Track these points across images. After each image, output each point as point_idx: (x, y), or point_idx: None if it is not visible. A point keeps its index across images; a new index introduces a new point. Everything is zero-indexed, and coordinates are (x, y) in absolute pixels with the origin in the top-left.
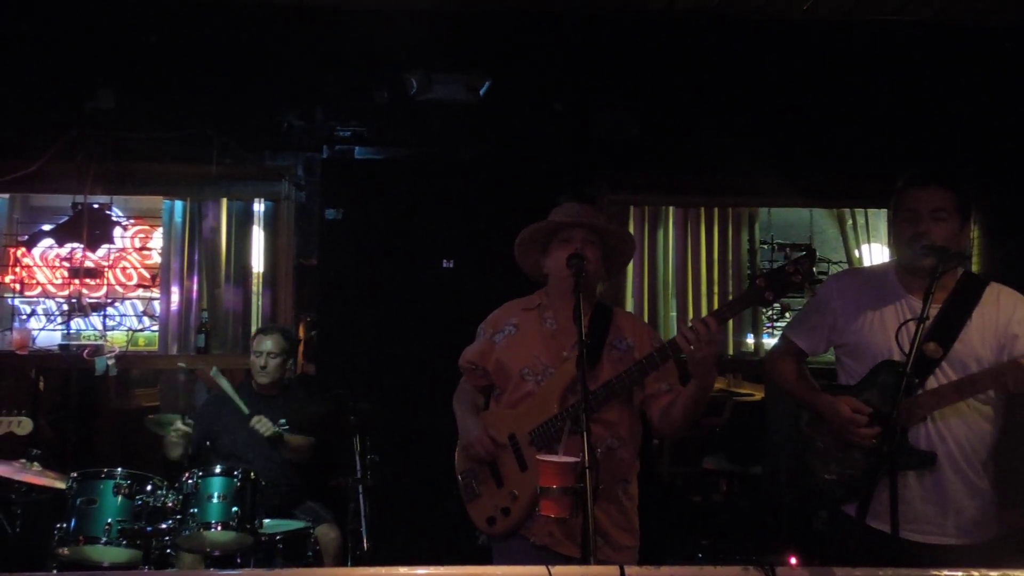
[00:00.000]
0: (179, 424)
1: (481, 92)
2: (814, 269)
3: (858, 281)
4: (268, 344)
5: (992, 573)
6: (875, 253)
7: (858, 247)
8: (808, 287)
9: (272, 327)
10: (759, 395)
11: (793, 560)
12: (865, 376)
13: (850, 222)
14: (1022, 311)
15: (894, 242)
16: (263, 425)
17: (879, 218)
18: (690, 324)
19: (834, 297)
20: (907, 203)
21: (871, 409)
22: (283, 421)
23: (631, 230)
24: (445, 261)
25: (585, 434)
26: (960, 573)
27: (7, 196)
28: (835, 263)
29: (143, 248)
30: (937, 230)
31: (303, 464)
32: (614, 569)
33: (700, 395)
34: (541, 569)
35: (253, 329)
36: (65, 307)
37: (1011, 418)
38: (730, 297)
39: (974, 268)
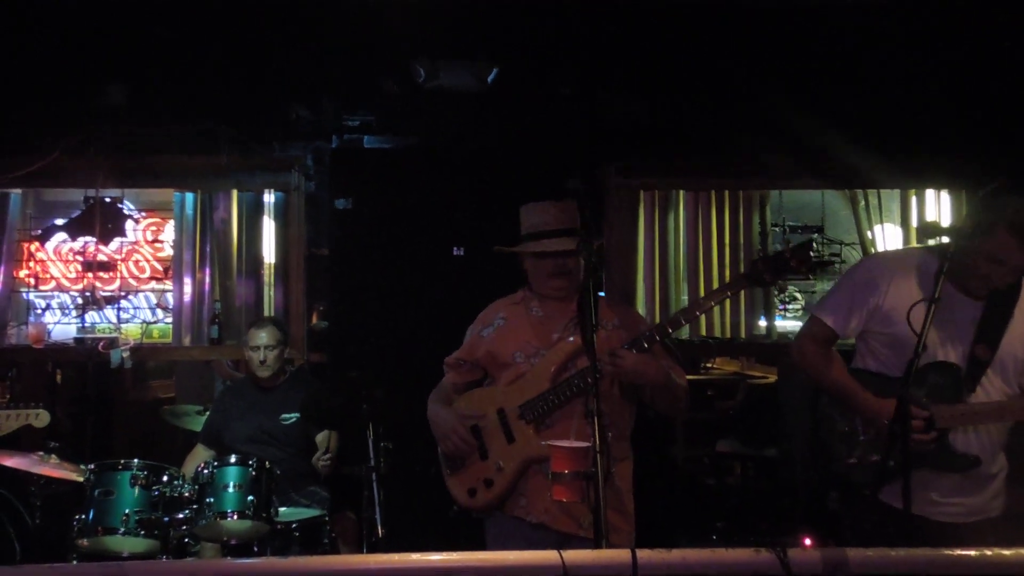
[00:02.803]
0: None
1: (489, 79)
2: (812, 254)
3: (903, 267)
4: (264, 337)
5: (1005, 551)
6: (888, 234)
7: (870, 228)
8: (805, 272)
9: (263, 319)
10: (772, 378)
11: (808, 541)
12: (916, 373)
13: (862, 203)
14: None
15: (966, 254)
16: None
17: (891, 199)
18: (611, 352)
19: (880, 281)
20: (999, 249)
21: (928, 413)
22: (294, 415)
23: (641, 215)
24: (455, 249)
25: (596, 419)
26: (973, 552)
27: (20, 191)
28: (847, 244)
29: (155, 241)
30: (1011, 277)
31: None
32: (626, 553)
33: (653, 390)
34: (553, 554)
35: None
36: (79, 301)
37: None
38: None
39: None
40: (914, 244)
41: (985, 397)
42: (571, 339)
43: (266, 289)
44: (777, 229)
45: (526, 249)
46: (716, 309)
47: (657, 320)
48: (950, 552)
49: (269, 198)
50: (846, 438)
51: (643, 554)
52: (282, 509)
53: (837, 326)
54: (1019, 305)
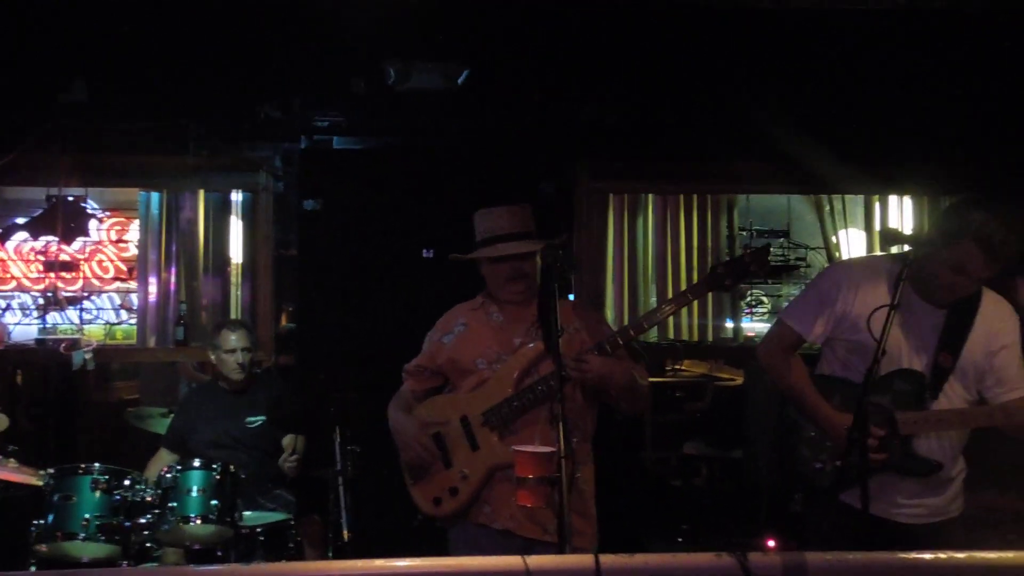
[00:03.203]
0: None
1: (459, 81)
2: (770, 258)
3: (869, 275)
4: (238, 340)
5: (959, 554)
6: (852, 239)
7: (835, 232)
8: (764, 275)
9: (235, 321)
10: (740, 380)
11: (771, 543)
12: (880, 380)
13: (827, 208)
14: (1009, 323)
15: (929, 263)
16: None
17: (855, 204)
18: (576, 357)
19: (846, 288)
20: (965, 261)
21: (883, 433)
22: (260, 418)
23: (610, 218)
24: (425, 251)
25: (561, 423)
26: (928, 555)
27: None
28: (813, 248)
29: (119, 240)
30: (973, 286)
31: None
32: (589, 558)
33: (618, 392)
34: (517, 559)
35: None
36: (41, 301)
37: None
38: None
39: None
40: (877, 249)
41: (947, 404)
42: (532, 345)
43: (233, 290)
44: (744, 233)
45: (481, 255)
46: (684, 311)
47: (625, 322)
48: (906, 555)
49: (237, 197)
50: (812, 443)
51: (606, 559)
52: (247, 513)
53: (804, 331)
54: (980, 314)
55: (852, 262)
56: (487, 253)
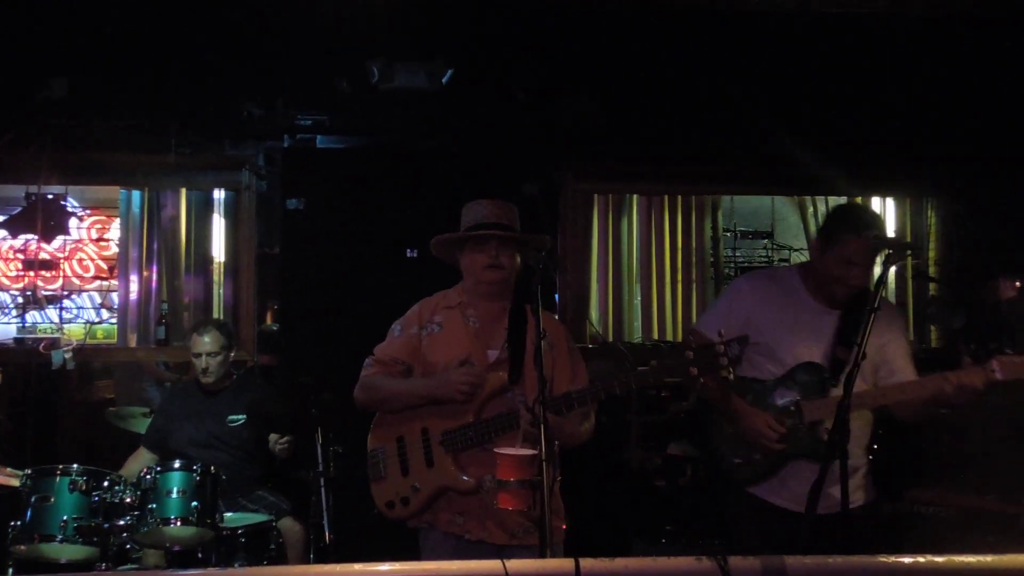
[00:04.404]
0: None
1: (443, 80)
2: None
3: (769, 284)
4: (206, 343)
5: (938, 558)
6: None
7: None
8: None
9: (207, 323)
10: None
11: None
12: (784, 374)
13: (811, 209)
14: (896, 322)
15: (822, 265)
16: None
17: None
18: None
19: (748, 297)
20: (850, 253)
21: (784, 430)
22: (241, 417)
23: (595, 218)
24: (409, 251)
25: (542, 428)
26: (907, 559)
27: None
28: (796, 250)
29: (100, 239)
30: (864, 276)
31: (259, 456)
32: (569, 562)
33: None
34: (496, 563)
35: None
36: (20, 300)
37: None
38: (693, 283)
39: (931, 252)
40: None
41: None
42: (502, 373)
43: (215, 289)
44: (728, 234)
45: (464, 234)
46: (668, 312)
47: (609, 323)
48: (885, 559)
49: (219, 196)
50: (729, 439)
51: (586, 563)
52: (228, 515)
53: (716, 337)
54: (875, 315)
55: (756, 274)
56: (469, 217)
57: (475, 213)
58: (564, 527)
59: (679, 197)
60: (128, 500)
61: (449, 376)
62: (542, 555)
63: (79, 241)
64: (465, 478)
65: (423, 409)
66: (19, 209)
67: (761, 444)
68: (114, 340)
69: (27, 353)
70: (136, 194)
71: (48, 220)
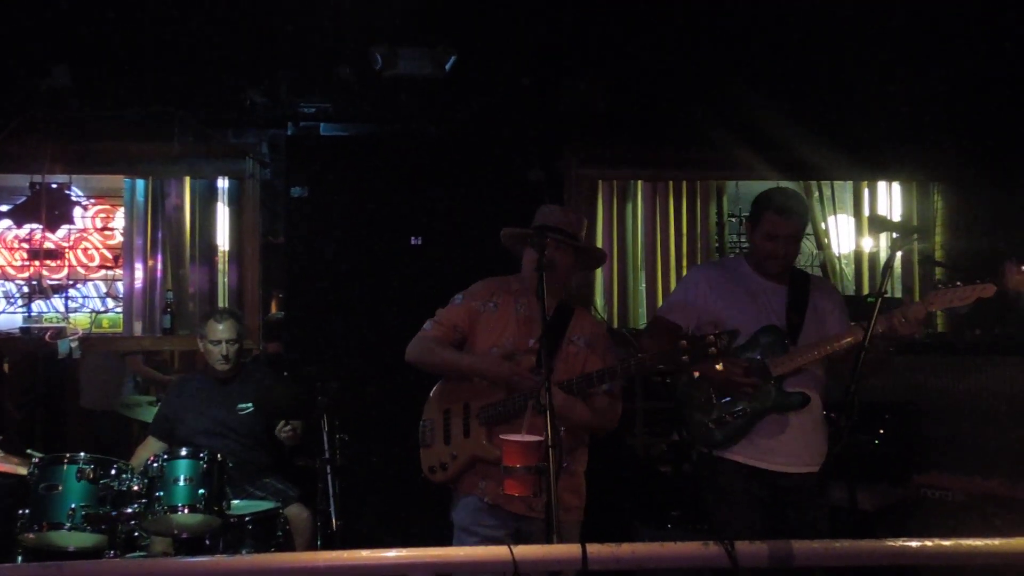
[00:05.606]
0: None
1: (447, 67)
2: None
3: (720, 272)
4: (225, 331)
5: (945, 542)
6: (841, 225)
7: (824, 219)
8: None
9: (223, 312)
10: None
11: None
12: (747, 341)
13: (816, 194)
14: (834, 296)
15: (753, 245)
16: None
17: (844, 191)
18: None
19: (702, 285)
20: (769, 228)
21: (745, 364)
22: (249, 405)
23: (600, 204)
24: (413, 238)
25: (548, 414)
26: (915, 542)
27: None
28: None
29: (105, 228)
30: (793, 250)
31: (268, 444)
32: (576, 548)
33: (572, 428)
34: (504, 550)
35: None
36: (25, 289)
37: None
38: None
39: (937, 236)
40: (866, 235)
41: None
42: (532, 358)
43: (220, 277)
44: (733, 220)
45: (525, 231)
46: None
47: (615, 309)
48: (893, 542)
49: (223, 184)
50: (702, 406)
51: (593, 548)
52: (235, 502)
53: (681, 321)
54: (811, 288)
55: (710, 263)
56: (539, 218)
57: (544, 215)
58: (580, 504)
59: (684, 183)
60: (135, 488)
61: (502, 367)
62: (548, 541)
63: (84, 230)
64: (492, 448)
65: (468, 385)
66: (24, 199)
67: (742, 391)
68: (120, 329)
69: (33, 342)
70: (140, 183)
71: (52, 209)
